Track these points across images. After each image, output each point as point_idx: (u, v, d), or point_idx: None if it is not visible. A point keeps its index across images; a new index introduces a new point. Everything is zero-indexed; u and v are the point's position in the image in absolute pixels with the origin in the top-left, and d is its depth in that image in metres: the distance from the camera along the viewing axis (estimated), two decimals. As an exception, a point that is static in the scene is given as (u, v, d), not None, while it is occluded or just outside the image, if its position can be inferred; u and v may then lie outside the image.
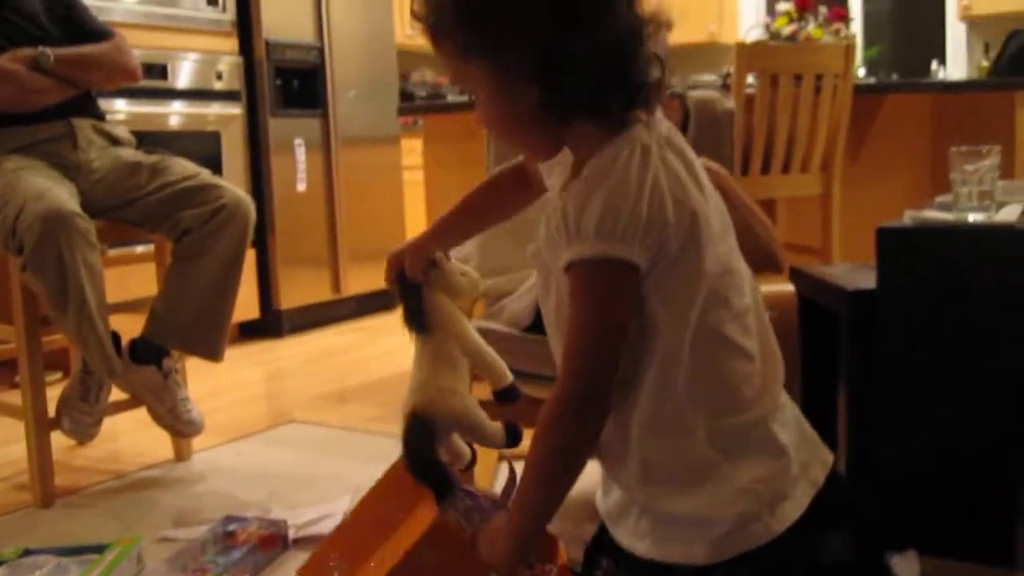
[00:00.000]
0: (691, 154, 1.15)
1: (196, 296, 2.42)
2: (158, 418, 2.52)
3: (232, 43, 4.44)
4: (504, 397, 1.43)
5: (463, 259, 2.03)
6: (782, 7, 4.26)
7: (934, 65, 6.34)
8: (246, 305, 4.33)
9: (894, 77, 6.15)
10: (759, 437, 1.14)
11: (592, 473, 1.22)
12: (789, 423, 1.17)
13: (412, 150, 5.19)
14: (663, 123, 1.14)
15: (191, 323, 2.44)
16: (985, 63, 6.01)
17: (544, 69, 1.07)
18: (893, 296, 1.70)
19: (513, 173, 1.39)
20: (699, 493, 1.13)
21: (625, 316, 1.08)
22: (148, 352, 2.44)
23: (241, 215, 2.45)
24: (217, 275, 2.43)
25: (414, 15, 1.15)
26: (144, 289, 2.64)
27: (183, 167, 2.53)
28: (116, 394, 2.52)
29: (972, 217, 1.69)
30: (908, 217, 1.76)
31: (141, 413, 2.54)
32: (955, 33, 6.31)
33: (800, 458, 1.16)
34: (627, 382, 1.12)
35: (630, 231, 1.04)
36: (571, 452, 1.11)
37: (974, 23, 6.18)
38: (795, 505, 1.14)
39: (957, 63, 6.32)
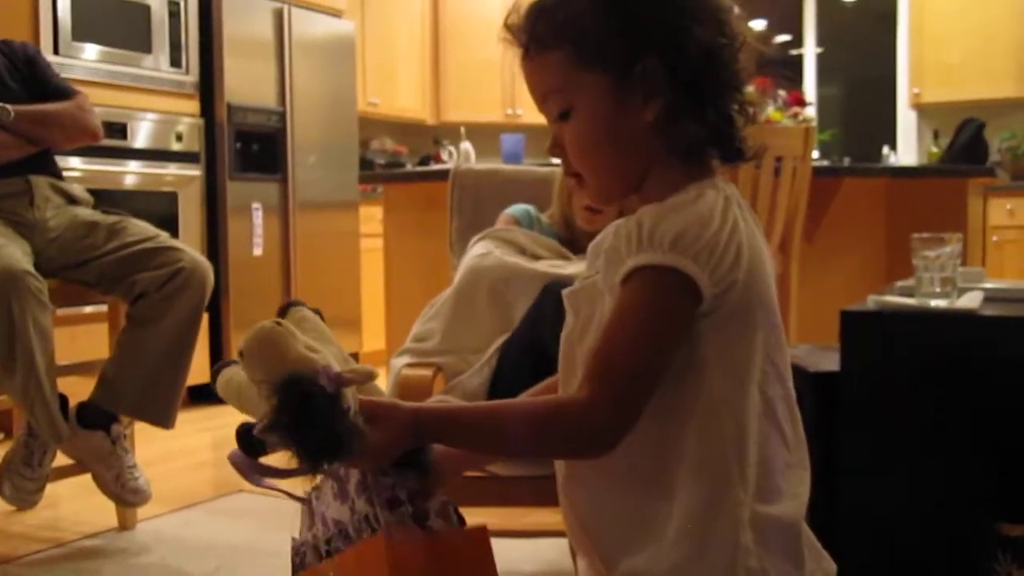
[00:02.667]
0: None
1: (149, 362, 2.37)
2: (103, 485, 2.44)
3: (193, 105, 4.43)
4: None
5: (421, 336, 2.02)
6: (742, 90, 4.34)
7: (885, 150, 6.49)
8: (197, 370, 4.19)
9: (846, 160, 6.29)
10: (792, 542, 1.03)
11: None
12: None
13: (371, 217, 5.18)
14: (736, 191, 1.10)
15: (143, 389, 2.38)
16: (935, 149, 6.16)
17: (688, 80, 1.02)
18: (856, 378, 1.70)
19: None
20: None
21: (675, 340, 0.99)
22: (96, 417, 2.38)
23: (199, 279, 2.41)
24: (172, 341, 2.38)
25: (509, 27, 1.07)
26: (93, 350, 2.58)
27: (141, 228, 2.49)
28: (59, 459, 2.44)
29: (934, 303, 1.71)
30: (871, 301, 1.77)
31: (85, 479, 2.47)
32: (905, 119, 6.48)
33: (808, 570, 1.06)
34: (668, 440, 1.01)
35: (704, 255, 0.97)
36: (535, 455, 1.06)
37: (924, 110, 6.36)
38: None
39: (907, 148, 6.47)
